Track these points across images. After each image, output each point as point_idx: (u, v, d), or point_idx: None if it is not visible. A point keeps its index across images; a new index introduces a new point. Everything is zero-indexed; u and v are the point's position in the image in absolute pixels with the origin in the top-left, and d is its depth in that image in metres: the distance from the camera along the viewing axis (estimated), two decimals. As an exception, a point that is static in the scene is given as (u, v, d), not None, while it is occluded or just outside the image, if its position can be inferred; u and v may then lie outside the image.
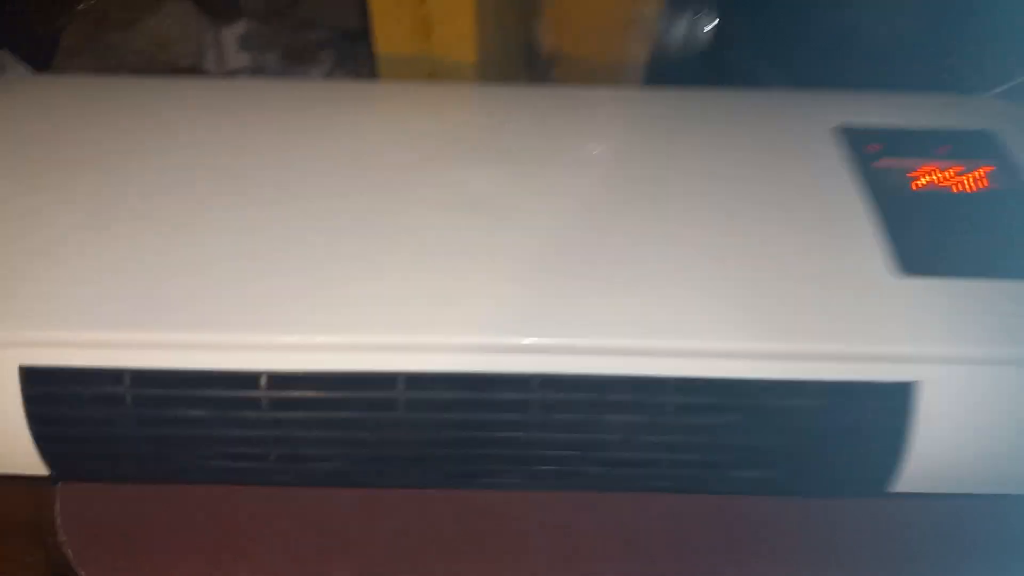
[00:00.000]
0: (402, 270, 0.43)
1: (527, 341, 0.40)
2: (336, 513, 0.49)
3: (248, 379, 0.40)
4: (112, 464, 0.44)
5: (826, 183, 0.48)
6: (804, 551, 0.47)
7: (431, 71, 0.65)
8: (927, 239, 0.45)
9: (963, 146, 0.50)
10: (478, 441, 0.42)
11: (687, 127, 0.53)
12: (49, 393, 0.41)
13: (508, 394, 0.40)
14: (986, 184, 0.48)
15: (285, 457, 0.43)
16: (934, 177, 0.48)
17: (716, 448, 0.41)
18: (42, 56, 0.81)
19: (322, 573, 0.46)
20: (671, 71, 0.73)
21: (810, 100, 0.56)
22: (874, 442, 0.41)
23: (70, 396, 0.41)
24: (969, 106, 0.55)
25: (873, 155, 0.49)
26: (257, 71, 0.86)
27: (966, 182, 0.48)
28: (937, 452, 0.41)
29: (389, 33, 0.63)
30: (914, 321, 0.41)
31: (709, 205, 0.46)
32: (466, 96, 0.59)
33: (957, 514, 0.49)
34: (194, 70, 0.83)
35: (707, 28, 0.72)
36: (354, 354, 0.40)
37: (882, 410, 0.40)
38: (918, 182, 0.48)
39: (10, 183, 0.47)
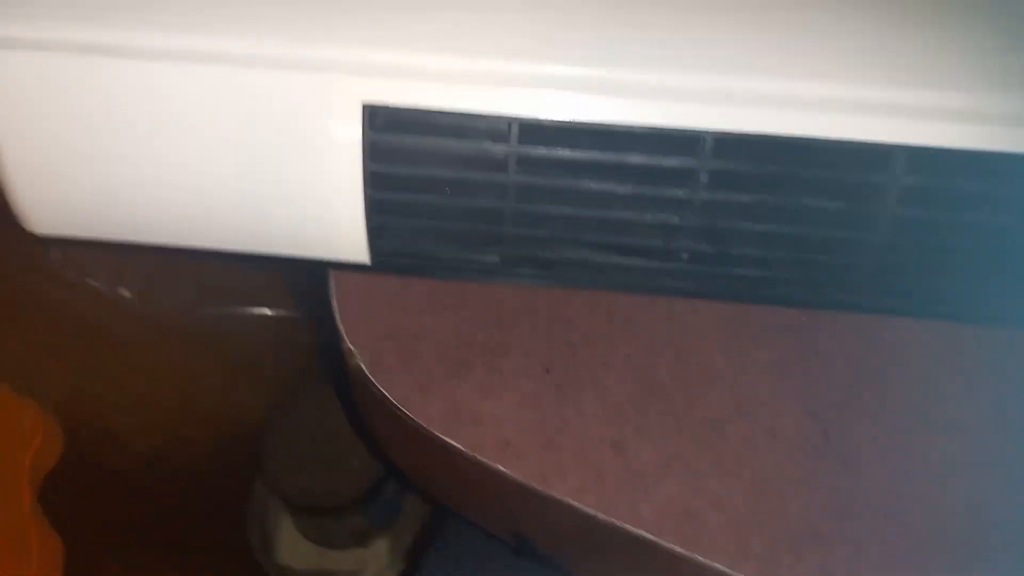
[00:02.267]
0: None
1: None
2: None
3: (688, 140, 0.30)
4: (460, 255, 0.34)
5: None
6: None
7: None
8: None
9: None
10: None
11: None
12: (399, 145, 0.31)
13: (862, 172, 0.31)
14: None
15: (702, 257, 0.33)
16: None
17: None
18: None
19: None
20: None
21: None
22: None
23: (427, 150, 0.31)
24: None
25: None
26: None
27: None
28: None
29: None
30: None
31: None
32: None
33: None
34: None
35: None
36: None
37: None
38: None
39: None
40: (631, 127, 0.31)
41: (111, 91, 0.31)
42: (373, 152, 0.31)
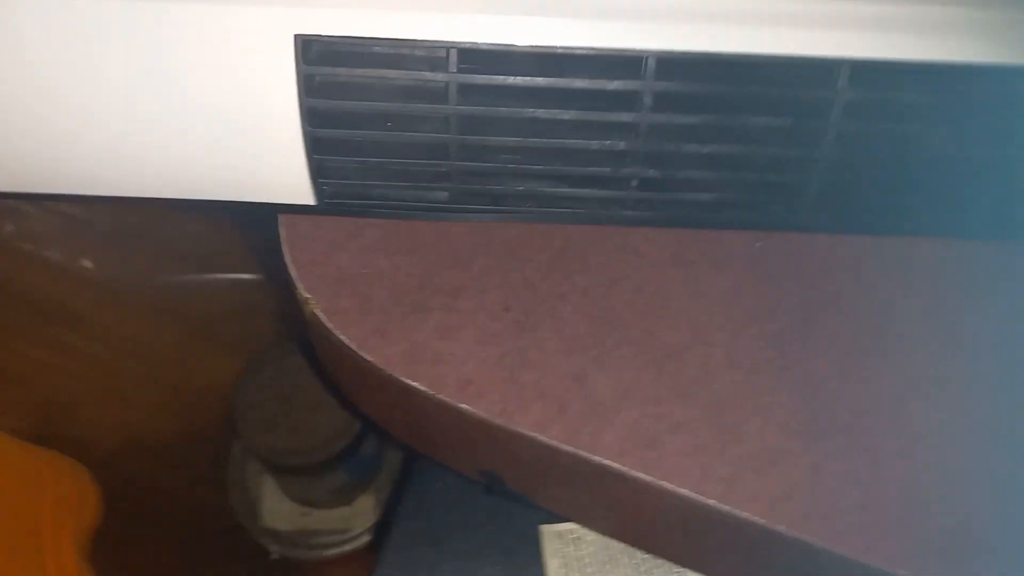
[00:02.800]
0: None
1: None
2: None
3: (630, 61, 0.30)
4: (407, 193, 0.35)
5: None
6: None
7: None
8: None
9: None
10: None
11: None
12: (335, 77, 0.30)
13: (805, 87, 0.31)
14: None
15: (651, 183, 0.34)
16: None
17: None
18: None
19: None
20: None
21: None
22: None
23: (364, 82, 0.31)
24: None
25: None
26: None
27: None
28: None
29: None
30: None
31: None
32: None
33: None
34: None
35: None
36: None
37: None
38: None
39: None
40: (572, 50, 0.31)
41: (27, 28, 0.30)
42: (308, 86, 0.31)
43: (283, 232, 0.40)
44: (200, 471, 0.95)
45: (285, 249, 0.40)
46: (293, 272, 0.39)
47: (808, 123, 0.32)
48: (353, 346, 0.38)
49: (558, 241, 0.41)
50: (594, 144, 0.32)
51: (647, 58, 0.30)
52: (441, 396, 0.37)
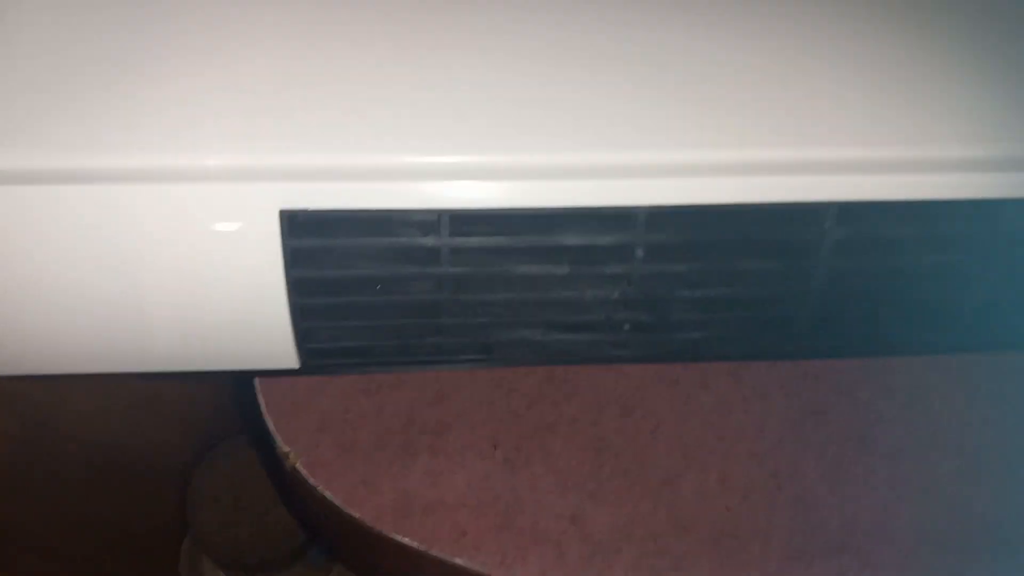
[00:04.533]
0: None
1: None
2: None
3: (621, 216, 0.30)
4: (395, 351, 0.33)
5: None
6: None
7: None
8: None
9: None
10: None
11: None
12: (322, 247, 0.29)
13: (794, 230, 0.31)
14: None
15: (644, 326, 0.33)
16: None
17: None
18: None
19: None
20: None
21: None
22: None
23: (353, 250, 0.30)
24: None
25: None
26: None
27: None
28: None
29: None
30: None
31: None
32: None
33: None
34: None
35: None
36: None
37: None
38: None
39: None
40: (563, 209, 0.30)
41: (16, 217, 0.28)
42: (294, 258, 0.29)
43: (258, 383, 0.38)
44: (147, 555, 0.90)
45: (261, 399, 0.38)
46: (271, 424, 0.37)
47: (798, 262, 0.32)
48: (338, 502, 0.36)
49: (543, 367, 0.41)
50: (588, 295, 0.32)
51: (638, 213, 0.30)
52: (435, 552, 0.35)
